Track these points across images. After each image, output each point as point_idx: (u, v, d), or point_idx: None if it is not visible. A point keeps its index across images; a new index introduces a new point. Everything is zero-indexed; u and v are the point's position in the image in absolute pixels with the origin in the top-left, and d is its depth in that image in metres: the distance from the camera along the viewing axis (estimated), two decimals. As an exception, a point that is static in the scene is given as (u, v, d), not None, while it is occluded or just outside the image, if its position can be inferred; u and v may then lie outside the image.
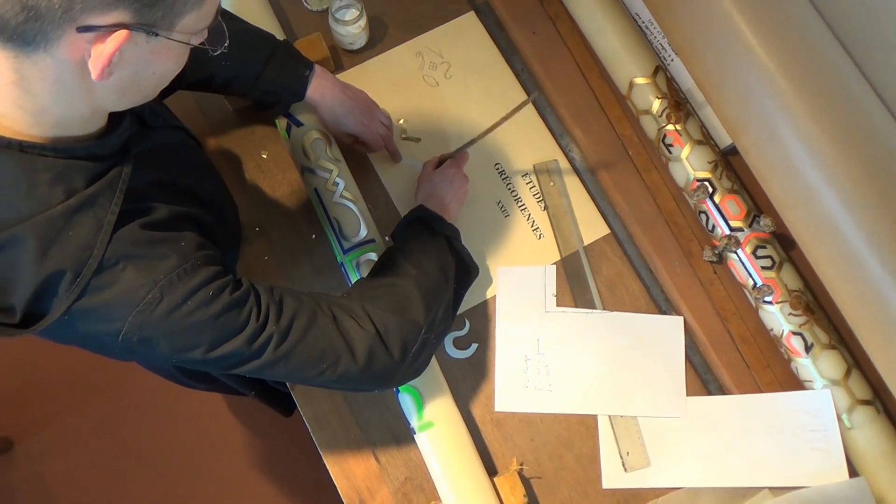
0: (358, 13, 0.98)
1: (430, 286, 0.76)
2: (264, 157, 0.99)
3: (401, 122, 1.01)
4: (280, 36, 0.97)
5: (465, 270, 0.86)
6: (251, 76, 0.86)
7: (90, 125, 0.56)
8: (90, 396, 1.71)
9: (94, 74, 0.48)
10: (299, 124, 0.92)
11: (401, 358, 0.71)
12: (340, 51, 1.04)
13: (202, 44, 0.55)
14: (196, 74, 0.85)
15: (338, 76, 0.94)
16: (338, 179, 0.90)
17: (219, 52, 0.57)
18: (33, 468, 1.67)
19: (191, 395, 1.41)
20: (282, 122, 0.94)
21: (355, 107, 0.91)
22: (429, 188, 0.89)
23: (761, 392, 0.91)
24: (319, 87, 0.89)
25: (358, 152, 0.98)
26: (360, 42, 1.02)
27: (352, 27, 0.98)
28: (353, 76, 1.02)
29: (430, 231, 0.82)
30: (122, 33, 0.46)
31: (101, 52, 0.47)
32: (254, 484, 1.63)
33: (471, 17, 1.06)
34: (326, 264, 0.94)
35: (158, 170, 0.62)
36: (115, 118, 0.59)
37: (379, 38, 1.05)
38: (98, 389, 1.71)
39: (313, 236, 0.96)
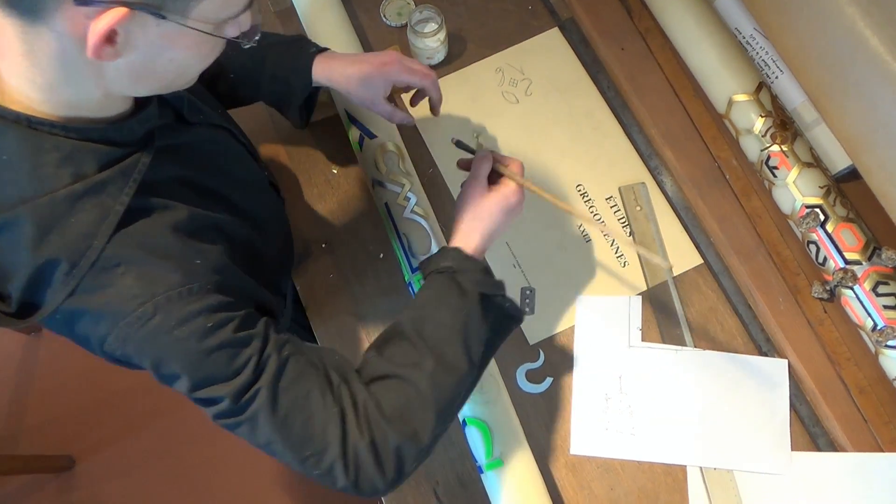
0: (437, 26, 0.94)
1: (447, 385, 0.60)
2: (335, 172, 0.96)
3: (477, 137, 0.95)
4: (358, 50, 0.95)
5: (506, 320, 0.68)
6: (258, 59, 0.78)
7: (107, 108, 0.52)
8: (151, 419, 1.73)
9: (88, 52, 0.44)
10: (372, 136, 0.88)
11: (394, 478, 0.57)
12: (418, 66, 1.00)
13: (234, 38, 0.51)
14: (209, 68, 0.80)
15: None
16: (409, 194, 0.85)
17: (248, 45, 0.52)
18: (93, 489, 1.69)
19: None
20: (354, 135, 0.90)
21: (370, 72, 0.77)
22: (471, 207, 0.71)
23: (882, 451, 0.79)
24: (324, 65, 0.78)
25: (432, 177, 0.94)
26: (439, 57, 0.98)
27: (430, 40, 0.94)
28: (430, 92, 0.99)
29: (460, 292, 0.63)
30: (119, 11, 0.43)
31: (95, 28, 0.43)
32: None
33: (554, 33, 1.01)
34: (393, 284, 0.89)
35: (186, 167, 0.57)
36: (140, 104, 0.55)
37: (457, 54, 1.01)
38: (158, 413, 1.72)
39: (381, 255, 0.91)
